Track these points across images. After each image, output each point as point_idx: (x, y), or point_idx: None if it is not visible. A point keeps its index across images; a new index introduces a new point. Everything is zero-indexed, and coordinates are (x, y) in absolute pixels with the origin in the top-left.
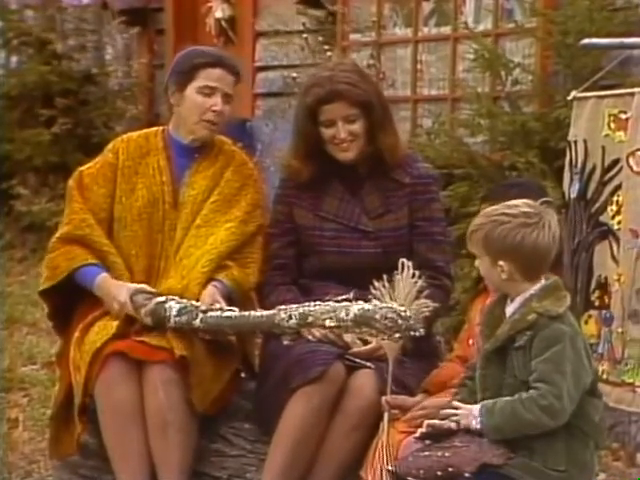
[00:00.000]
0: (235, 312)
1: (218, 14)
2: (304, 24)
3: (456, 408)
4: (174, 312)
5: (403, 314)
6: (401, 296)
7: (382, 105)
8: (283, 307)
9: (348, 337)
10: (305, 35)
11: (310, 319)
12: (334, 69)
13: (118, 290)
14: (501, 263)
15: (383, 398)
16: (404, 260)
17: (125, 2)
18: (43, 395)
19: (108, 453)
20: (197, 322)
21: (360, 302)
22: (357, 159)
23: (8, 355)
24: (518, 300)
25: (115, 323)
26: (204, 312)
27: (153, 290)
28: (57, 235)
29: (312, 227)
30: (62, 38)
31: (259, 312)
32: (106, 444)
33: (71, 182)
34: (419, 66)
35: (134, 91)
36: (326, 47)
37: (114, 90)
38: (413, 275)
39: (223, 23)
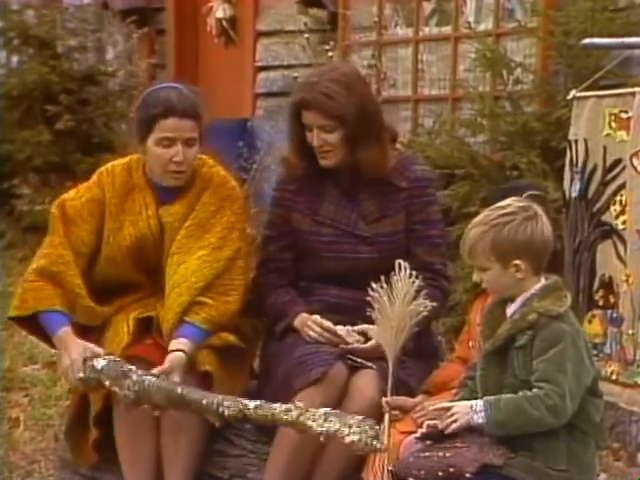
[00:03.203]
0: (180, 388)
1: (219, 14)
2: (305, 24)
3: (449, 408)
4: (131, 367)
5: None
6: (400, 297)
7: (364, 120)
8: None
9: (342, 331)
10: (306, 35)
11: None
12: (322, 75)
13: (74, 347)
14: (517, 262)
15: (383, 399)
16: (400, 261)
17: (126, 2)
18: (44, 395)
19: (118, 453)
20: (148, 381)
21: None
22: (339, 166)
23: (9, 355)
24: (519, 300)
25: (126, 329)
26: (156, 377)
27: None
28: (34, 266)
29: (309, 232)
30: (63, 38)
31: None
32: (117, 445)
33: (54, 210)
34: (420, 66)
35: (138, 90)
36: (327, 47)
37: (115, 90)
38: (410, 275)
39: (224, 23)
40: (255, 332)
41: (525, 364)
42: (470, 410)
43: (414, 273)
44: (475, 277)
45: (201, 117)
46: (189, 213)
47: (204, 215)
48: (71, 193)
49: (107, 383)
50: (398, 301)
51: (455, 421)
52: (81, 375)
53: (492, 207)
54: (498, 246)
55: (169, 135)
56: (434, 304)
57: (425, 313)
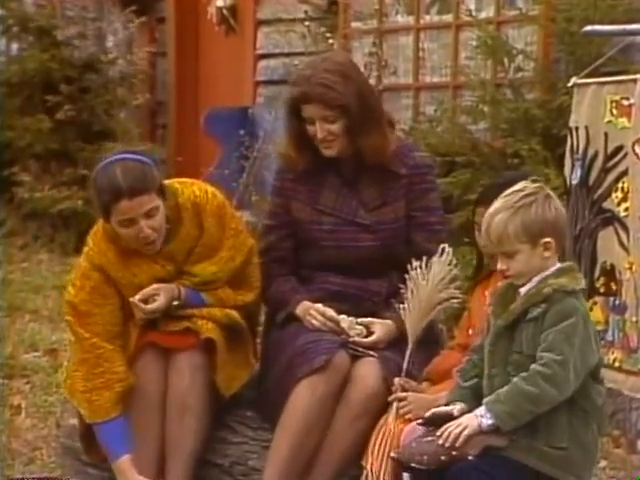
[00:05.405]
0: None
1: (219, 2)
2: (306, 12)
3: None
4: None
5: None
6: (435, 280)
7: (364, 106)
8: None
9: (345, 322)
10: (307, 23)
11: None
12: (317, 67)
13: None
14: (547, 240)
15: (396, 379)
16: (445, 246)
17: None
18: (45, 382)
19: None
20: None
21: None
22: (342, 155)
23: (10, 342)
24: (535, 279)
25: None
26: None
27: None
28: (82, 380)
29: (310, 221)
30: (63, 26)
31: None
32: None
33: (68, 317)
34: (421, 54)
35: (138, 78)
36: (328, 35)
37: (115, 78)
38: (450, 262)
39: (225, 11)
40: (256, 305)
41: (534, 336)
42: (476, 417)
43: (454, 260)
44: (500, 265)
45: (154, 184)
46: (195, 241)
47: (211, 240)
48: (71, 290)
49: None
50: (432, 283)
51: (465, 428)
52: None
53: (507, 193)
54: (529, 226)
55: (126, 217)
56: (460, 297)
57: (455, 305)
